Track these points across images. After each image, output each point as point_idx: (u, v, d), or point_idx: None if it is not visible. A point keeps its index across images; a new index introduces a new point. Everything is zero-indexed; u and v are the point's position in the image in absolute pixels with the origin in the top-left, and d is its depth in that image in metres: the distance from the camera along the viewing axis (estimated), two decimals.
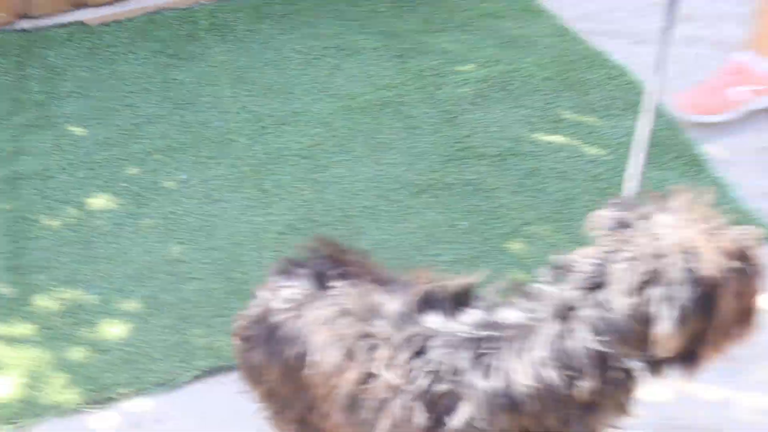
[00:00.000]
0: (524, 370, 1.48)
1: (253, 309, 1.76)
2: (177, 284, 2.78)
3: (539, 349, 1.49)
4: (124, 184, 3.24)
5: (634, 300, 1.43)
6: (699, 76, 3.50)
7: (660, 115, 3.37)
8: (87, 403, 2.42)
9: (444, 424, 1.53)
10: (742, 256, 1.44)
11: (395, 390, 1.54)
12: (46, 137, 3.52)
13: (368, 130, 3.42)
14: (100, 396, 2.44)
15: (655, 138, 3.17)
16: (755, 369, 2.41)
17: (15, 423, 2.38)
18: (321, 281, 1.69)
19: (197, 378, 2.47)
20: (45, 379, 2.49)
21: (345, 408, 1.61)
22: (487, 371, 1.51)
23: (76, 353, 2.57)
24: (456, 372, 1.52)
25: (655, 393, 2.31)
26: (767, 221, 2.91)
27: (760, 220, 2.90)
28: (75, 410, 2.41)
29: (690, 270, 1.40)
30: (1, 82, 3.91)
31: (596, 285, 1.48)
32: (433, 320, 1.58)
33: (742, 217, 2.88)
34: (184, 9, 4.36)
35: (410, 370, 1.54)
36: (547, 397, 1.49)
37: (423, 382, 1.53)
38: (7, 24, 4.27)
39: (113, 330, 2.64)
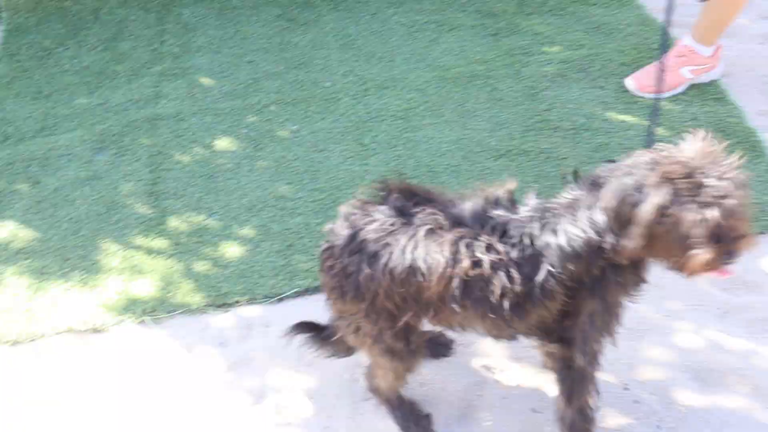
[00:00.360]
0: (577, 227, 1.99)
1: (342, 239, 2.14)
2: (284, 217, 3.28)
3: (583, 214, 1.99)
4: (244, 130, 3.76)
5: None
6: None
7: (727, 102, 3.74)
8: (208, 306, 2.95)
9: (532, 278, 2.03)
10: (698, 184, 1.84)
11: (497, 265, 2.02)
12: (181, 86, 4.07)
13: (458, 98, 3.85)
14: (219, 301, 2.96)
15: (720, 124, 3.57)
16: None
17: (152, 315, 2.93)
18: (402, 212, 2.15)
19: (298, 294, 2.97)
20: (176, 284, 3.03)
21: (461, 294, 2.05)
22: (554, 232, 2.02)
23: (201, 266, 3.10)
24: (532, 239, 2.03)
25: (689, 341, 2.73)
26: None
27: None
28: (199, 310, 2.94)
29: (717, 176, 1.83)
30: (143, 34, 4.48)
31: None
32: (501, 213, 2.09)
33: None
34: None
35: (504, 248, 2.03)
36: (593, 247, 1.98)
37: (514, 253, 2.03)
38: None
39: (231, 250, 3.16)
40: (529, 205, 2.12)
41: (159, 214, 3.33)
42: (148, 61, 4.27)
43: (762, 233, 3.15)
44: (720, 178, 1.84)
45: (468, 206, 2.12)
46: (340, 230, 2.17)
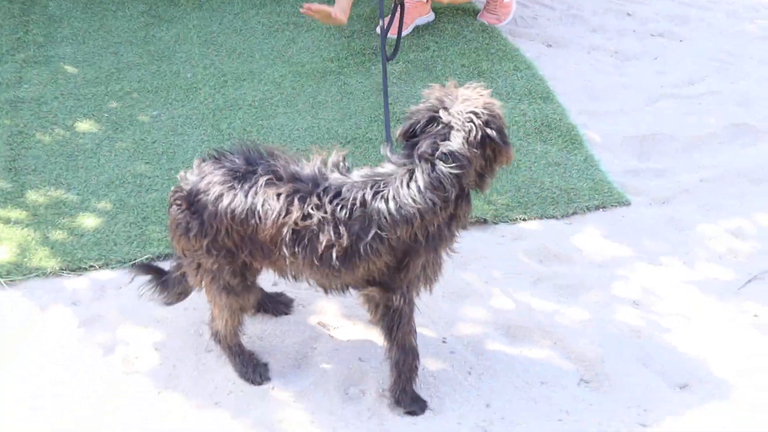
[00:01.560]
0: (411, 195, 2.32)
1: (191, 183, 2.44)
2: (141, 192, 3.48)
3: (417, 181, 2.33)
4: (106, 114, 3.94)
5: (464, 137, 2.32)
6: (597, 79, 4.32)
7: (552, 101, 4.16)
8: (63, 270, 3.11)
9: (361, 239, 2.33)
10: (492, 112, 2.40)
11: (325, 221, 2.32)
12: (44, 72, 4.21)
13: (311, 91, 4.15)
14: (74, 265, 3.13)
15: (546, 120, 3.96)
16: (580, 294, 3.17)
17: (7, 278, 3.07)
18: (248, 164, 2.42)
19: (151, 259, 3.17)
20: (32, 251, 3.18)
21: (291, 241, 2.34)
22: (386, 200, 2.33)
23: (57, 235, 3.27)
24: (363, 203, 2.33)
25: (504, 303, 3.08)
26: (623, 190, 3.66)
27: (617, 189, 3.66)
28: (54, 274, 3.11)
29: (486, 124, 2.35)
30: (7, 23, 4.60)
31: (441, 137, 2.35)
32: (336, 176, 2.39)
33: (606, 187, 3.65)
34: None
35: (334, 207, 2.32)
36: (428, 211, 2.33)
37: (342, 212, 2.32)
38: None
39: (88, 221, 3.33)
40: (363, 171, 2.43)
41: (18, 188, 3.47)
42: (11, 48, 4.39)
43: (575, 213, 3.55)
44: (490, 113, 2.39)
45: (306, 166, 2.41)
46: (191, 176, 2.44)
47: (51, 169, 3.59)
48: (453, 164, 2.33)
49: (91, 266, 3.14)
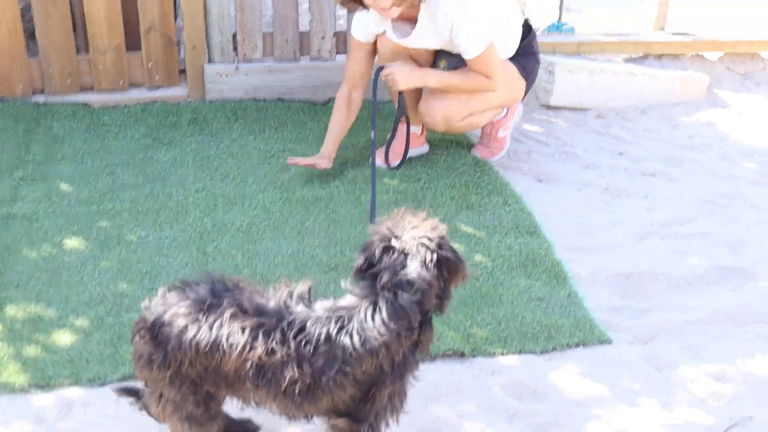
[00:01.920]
0: (375, 328, 2.33)
1: (155, 314, 2.45)
2: (119, 311, 3.48)
3: (380, 313, 2.34)
4: (94, 233, 3.99)
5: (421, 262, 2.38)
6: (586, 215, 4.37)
7: (539, 236, 4.18)
8: (31, 385, 3.09)
9: (325, 373, 2.32)
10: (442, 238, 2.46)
11: (289, 357, 2.31)
12: (40, 189, 4.30)
13: (299, 218, 4.20)
14: (43, 382, 3.10)
15: (532, 254, 3.98)
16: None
17: None
18: (214, 296, 2.43)
19: (122, 379, 3.14)
20: (3, 366, 3.16)
21: (255, 375, 2.33)
22: (348, 333, 2.33)
23: (31, 350, 3.25)
24: (328, 338, 2.33)
25: None
26: (605, 328, 3.63)
27: (599, 327, 3.63)
28: (22, 390, 3.08)
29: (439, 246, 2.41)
30: (11, 142, 4.72)
31: (399, 266, 2.39)
32: (300, 309, 2.39)
33: (587, 324, 3.63)
34: (173, 104, 5.23)
35: (298, 343, 2.32)
36: (393, 342, 2.34)
37: (306, 348, 2.31)
38: (24, 96, 5.10)
39: (63, 338, 3.33)
40: (327, 304, 2.44)
41: None
42: (10, 166, 4.49)
43: (555, 349, 3.52)
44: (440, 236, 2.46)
45: (272, 299, 2.42)
46: (156, 305, 2.44)
47: (33, 284, 3.61)
48: (414, 291, 2.35)
49: (60, 383, 3.11)
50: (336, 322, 2.37)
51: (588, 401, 3.27)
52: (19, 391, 3.08)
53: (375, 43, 4.48)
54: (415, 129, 4.78)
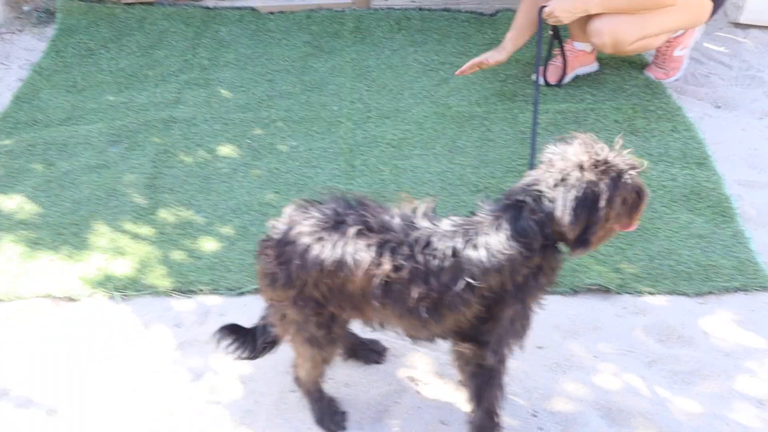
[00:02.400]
0: (500, 243, 2.24)
1: (280, 233, 2.43)
2: (264, 221, 3.49)
3: (505, 230, 2.25)
4: (248, 141, 4.04)
5: (553, 195, 2.22)
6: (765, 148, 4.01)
7: (708, 168, 3.87)
8: (174, 290, 3.20)
9: (451, 289, 2.25)
10: (617, 167, 2.22)
11: (417, 272, 2.25)
12: (201, 94, 4.39)
13: (451, 134, 4.07)
14: (184, 287, 3.21)
15: (698, 187, 3.70)
16: (697, 382, 2.91)
17: (122, 292, 3.19)
18: (338, 214, 2.38)
19: (257, 290, 3.19)
20: (150, 268, 3.29)
21: (381, 293, 2.28)
22: (475, 247, 2.25)
23: (177, 255, 3.36)
24: (455, 252, 2.25)
25: (608, 382, 2.87)
26: None
27: (765, 272, 3.35)
28: (165, 293, 3.20)
29: (577, 178, 2.19)
30: (179, 45, 4.83)
31: (532, 186, 2.27)
32: (427, 225, 2.32)
33: (751, 268, 3.35)
34: (337, 11, 5.16)
35: (425, 257, 2.25)
36: (516, 259, 2.24)
37: (436, 262, 2.25)
38: (198, 0, 5.19)
39: (208, 245, 3.41)
40: (453, 220, 2.34)
41: (152, 205, 3.61)
42: (177, 69, 4.60)
43: (710, 293, 3.27)
44: (625, 163, 2.24)
45: (396, 216, 2.35)
46: (280, 225, 2.41)
47: (186, 189, 3.71)
48: (534, 211, 2.24)
49: (200, 290, 3.20)
50: (462, 236, 2.28)
51: (739, 351, 3.04)
52: (162, 294, 3.19)
53: None
54: (584, 46, 4.50)
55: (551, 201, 2.23)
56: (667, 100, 4.37)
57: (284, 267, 2.37)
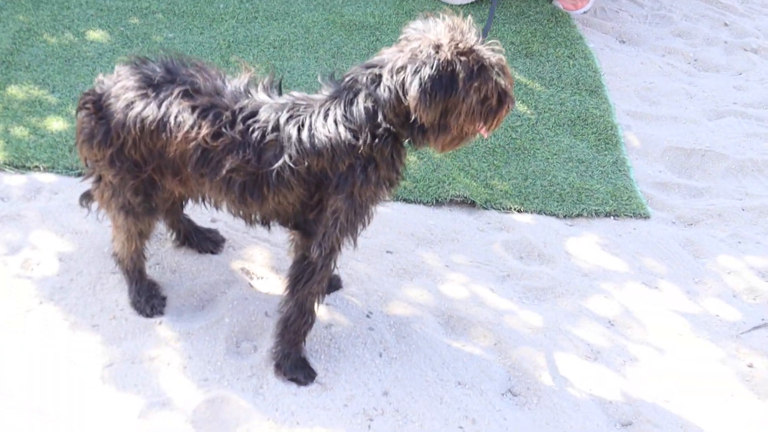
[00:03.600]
0: (325, 126, 2.05)
1: (103, 87, 2.23)
2: None
3: (334, 112, 2.06)
4: (121, 29, 3.78)
5: (398, 77, 2.01)
6: (661, 83, 3.86)
7: (599, 96, 3.73)
8: (6, 164, 2.95)
9: (270, 165, 2.07)
10: (481, 56, 2.00)
11: (235, 141, 2.06)
12: None
13: (338, 41, 3.88)
14: (19, 162, 2.96)
15: (585, 113, 3.56)
16: (548, 299, 2.77)
17: None
18: (169, 72, 2.17)
19: None
20: None
21: (197, 159, 2.10)
22: (299, 126, 2.06)
23: (19, 131, 3.11)
24: (278, 127, 2.07)
25: (454, 291, 2.71)
26: (645, 202, 3.22)
27: (638, 199, 3.23)
28: None
29: (434, 55, 1.97)
30: None
31: (374, 68, 2.07)
32: (260, 95, 2.13)
33: (626, 194, 3.22)
34: None
35: (246, 127, 2.07)
36: (339, 145, 2.05)
37: (256, 134, 2.06)
38: None
39: (55, 124, 3.16)
40: (288, 95, 2.15)
41: (2, 80, 3.35)
42: None
43: (580, 215, 3.14)
44: (493, 51, 2.04)
45: (231, 83, 2.14)
46: (107, 80, 2.21)
47: (44, 69, 3.45)
48: (368, 96, 2.05)
49: (36, 167, 2.96)
50: (288, 112, 2.08)
51: (598, 273, 2.91)
52: None
53: None
54: None
55: (390, 87, 2.03)
56: (570, 29, 4.21)
57: (103, 122, 2.18)
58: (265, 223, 2.31)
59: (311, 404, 2.28)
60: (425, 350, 2.48)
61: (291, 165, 2.07)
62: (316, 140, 2.06)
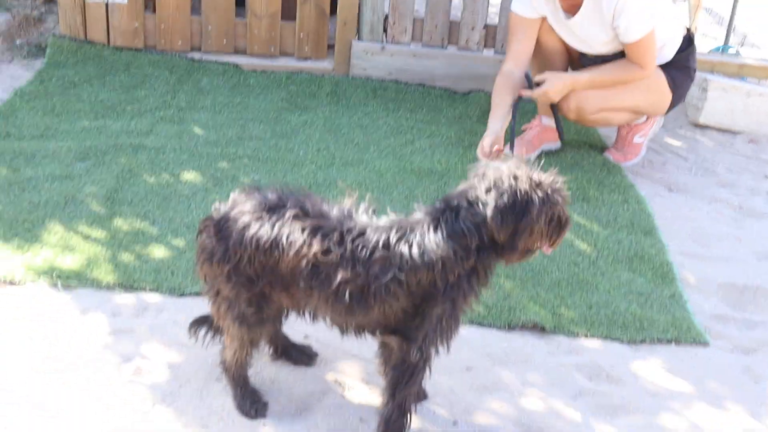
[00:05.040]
0: (434, 242, 2.33)
1: (222, 212, 2.53)
2: None
3: (440, 229, 2.35)
4: (212, 171, 4.15)
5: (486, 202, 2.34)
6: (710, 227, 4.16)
7: (653, 236, 3.99)
8: (116, 285, 3.24)
9: (379, 279, 2.33)
10: (548, 186, 2.37)
11: (345, 258, 2.34)
12: (174, 128, 4.53)
13: (410, 185, 4.21)
14: (127, 283, 3.25)
15: (641, 251, 3.81)
16: (620, 415, 2.93)
17: (65, 281, 3.22)
18: (280, 199, 2.49)
19: (198, 294, 3.23)
20: (97, 265, 3.33)
21: (308, 274, 2.37)
22: (408, 242, 2.35)
23: (125, 257, 3.41)
24: (387, 245, 2.34)
25: (533, 405, 2.90)
26: (703, 330, 3.41)
27: (697, 328, 3.41)
28: (108, 287, 3.23)
29: (511, 186, 2.33)
30: (160, 89, 5.01)
31: (469, 194, 2.40)
32: (363, 219, 2.43)
33: (686, 324, 3.42)
34: (317, 75, 5.38)
35: (355, 246, 2.34)
36: (450, 259, 2.33)
37: (363, 252, 2.34)
38: (183, 51, 5.40)
39: (157, 252, 3.47)
40: (390, 217, 2.45)
41: (109, 214, 3.68)
42: (155, 107, 4.76)
43: (644, 341, 3.34)
44: (556, 186, 2.41)
45: (336, 207, 2.46)
46: (223, 206, 2.52)
47: (144, 204, 3.79)
48: (474, 214, 2.36)
49: (142, 287, 3.24)
50: (396, 232, 2.37)
51: (665, 393, 3.07)
52: (105, 287, 3.23)
53: (537, 20, 4.41)
54: (549, 122, 4.69)
55: (484, 204, 2.35)
56: (622, 178, 4.54)
57: (222, 242, 2.46)
58: (360, 332, 2.55)
59: None
60: None
61: (401, 278, 2.34)
62: (426, 256, 2.33)
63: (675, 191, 4.58)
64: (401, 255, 2.33)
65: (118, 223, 3.64)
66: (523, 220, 2.35)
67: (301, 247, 2.36)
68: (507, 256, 2.44)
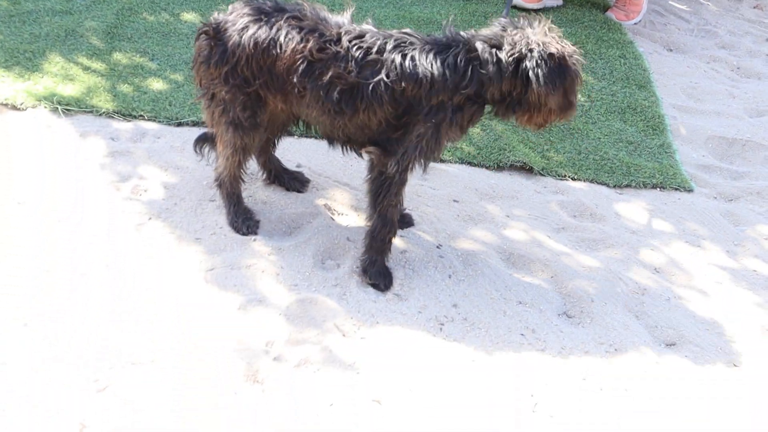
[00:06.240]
0: (429, 61, 2.38)
1: (218, 19, 2.57)
2: None
3: (441, 55, 2.39)
4: (212, 13, 4.14)
5: (509, 62, 2.37)
6: (705, 84, 4.16)
7: (648, 90, 4.03)
8: (115, 112, 3.30)
9: (368, 79, 2.39)
10: (572, 55, 2.41)
11: (339, 56, 2.39)
12: None
13: None
14: (126, 112, 3.31)
15: (635, 104, 3.85)
16: (600, 248, 3.04)
17: (65, 107, 3.28)
18: (278, 5, 2.52)
19: (195, 123, 3.31)
20: (96, 93, 3.39)
21: (303, 70, 2.41)
22: (403, 55, 2.39)
23: (124, 87, 3.47)
24: (381, 51, 2.39)
25: (515, 235, 2.99)
26: (688, 177, 3.49)
27: (683, 175, 3.50)
28: (107, 114, 3.29)
29: (547, 55, 2.36)
30: None
31: (493, 44, 2.40)
32: (366, 26, 2.47)
33: (672, 171, 3.50)
34: None
35: (351, 45, 2.40)
36: (438, 81, 2.38)
37: (359, 52, 2.39)
38: None
39: (156, 84, 3.52)
40: (394, 32, 2.48)
41: (108, 48, 3.72)
42: None
43: (629, 186, 3.42)
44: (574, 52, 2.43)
45: (337, 16, 2.50)
46: (221, 15, 2.57)
47: (144, 41, 3.82)
48: (476, 57, 2.39)
49: (141, 115, 3.30)
50: (395, 41, 2.41)
51: (646, 232, 3.17)
52: (104, 114, 3.29)
53: None
54: None
55: (502, 69, 2.38)
56: (621, 35, 4.53)
57: (220, 44, 2.51)
58: (347, 142, 2.62)
59: (389, 309, 2.57)
60: (489, 276, 2.76)
61: (388, 83, 2.38)
62: (418, 69, 2.38)
63: (674, 51, 4.58)
64: (392, 61, 2.38)
65: (118, 57, 3.68)
66: (565, 84, 2.40)
67: (298, 44, 2.41)
68: (526, 119, 2.49)
